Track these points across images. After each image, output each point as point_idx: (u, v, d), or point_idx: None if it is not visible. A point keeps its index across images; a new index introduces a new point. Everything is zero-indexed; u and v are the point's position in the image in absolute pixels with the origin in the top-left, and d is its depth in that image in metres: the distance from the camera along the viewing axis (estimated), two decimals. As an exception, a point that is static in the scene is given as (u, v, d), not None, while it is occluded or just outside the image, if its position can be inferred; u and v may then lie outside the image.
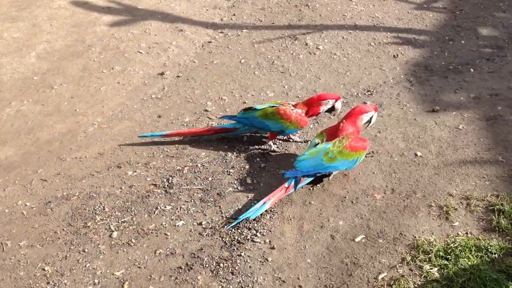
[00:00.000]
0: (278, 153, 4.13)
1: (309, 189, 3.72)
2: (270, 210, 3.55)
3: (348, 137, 3.67)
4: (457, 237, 3.16)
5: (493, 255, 3.02)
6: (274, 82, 5.13)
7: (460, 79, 5.00)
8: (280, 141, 4.27)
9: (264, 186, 3.77)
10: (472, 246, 3.06)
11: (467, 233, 3.21)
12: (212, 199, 3.69)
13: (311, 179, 3.72)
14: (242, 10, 6.52)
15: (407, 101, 4.70)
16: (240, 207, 3.59)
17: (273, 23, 6.21)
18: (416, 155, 3.97)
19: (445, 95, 4.73)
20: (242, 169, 3.97)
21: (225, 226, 3.46)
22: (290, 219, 3.48)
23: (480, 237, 3.15)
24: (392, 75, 5.16)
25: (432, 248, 3.10)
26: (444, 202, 3.47)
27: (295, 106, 4.12)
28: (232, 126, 4.27)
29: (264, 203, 3.54)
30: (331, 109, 4.12)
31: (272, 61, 5.48)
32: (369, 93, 4.87)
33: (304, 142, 4.27)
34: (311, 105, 4.10)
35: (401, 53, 5.52)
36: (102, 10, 6.47)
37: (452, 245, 3.10)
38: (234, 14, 6.44)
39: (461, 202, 3.46)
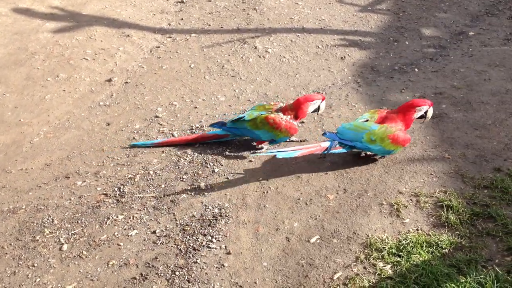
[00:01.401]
0: (231, 156, 4.11)
1: (263, 193, 3.72)
2: (226, 215, 3.52)
3: (395, 129, 3.77)
4: (408, 234, 3.23)
5: (444, 250, 3.10)
6: (225, 86, 5.12)
7: (405, 79, 5.15)
8: (235, 146, 4.26)
9: (218, 191, 3.75)
10: (423, 242, 3.14)
11: (417, 230, 3.30)
12: (165, 207, 3.63)
13: (344, 151, 3.87)
14: (190, 15, 6.48)
15: (356, 102, 4.78)
16: (194, 213, 3.55)
17: (221, 27, 6.20)
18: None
19: (391, 95, 4.86)
20: (196, 174, 3.93)
21: (249, 152, 3.98)
22: (246, 223, 3.47)
23: (430, 233, 3.24)
24: (340, 77, 5.25)
25: (384, 246, 3.16)
26: (395, 199, 3.54)
27: (282, 111, 4.10)
28: (223, 132, 4.23)
29: (296, 150, 3.79)
30: (317, 109, 4.15)
31: (222, 65, 5.46)
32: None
33: (301, 141, 4.27)
34: (299, 108, 4.09)
35: (348, 55, 5.63)
36: (45, 17, 6.27)
37: (404, 242, 3.17)
38: (182, 19, 6.38)
39: (411, 199, 3.55)
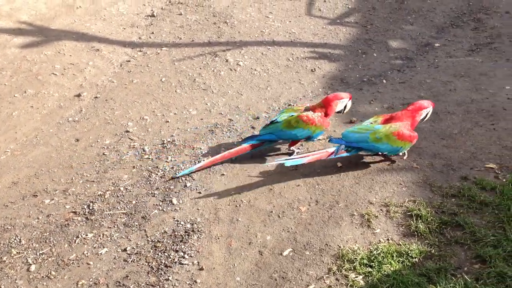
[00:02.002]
0: (202, 171, 4.09)
1: (236, 206, 3.72)
2: (198, 230, 3.50)
3: (400, 125, 3.87)
4: (379, 244, 3.27)
5: (414, 259, 3.14)
6: (197, 100, 5.11)
7: (374, 90, 5.23)
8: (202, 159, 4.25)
9: (190, 205, 3.72)
10: (394, 252, 3.17)
11: (388, 240, 3.33)
12: (136, 223, 3.59)
13: (354, 153, 3.95)
14: (160, 28, 6.46)
15: (326, 114, 4.83)
16: (166, 229, 3.52)
17: (192, 40, 6.20)
18: (337, 165, 4.08)
19: (361, 106, 4.92)
20: (167, 189, 3.90)
21: (267, 162, 4.06)
22: (218, 238, 3.45)
23: (400, 243, 3.28)
24: (311, 89, 5.30)
25: (356, 257, 3.18)
26: (365, 210, 3.58)
27: (312, 110, 4.24)
28: (258, 142, 4.27)
29: (303, 157, 3.88)
30: (344, 108, 4.30)
31: (194, 78, 5.46)
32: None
33: (325, 139, 4.37)
34: (328, 106, 4.24)
35: (318, 67, 5.70)
36: (13, 32, 6.17)
37: (375, 252, 3.20)
38: (153, 33, 6.37)
39: (381, 209, 3.59)
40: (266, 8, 6.93)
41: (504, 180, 3.76)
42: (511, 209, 3.43)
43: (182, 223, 3.56)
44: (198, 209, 3.70)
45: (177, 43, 6.14)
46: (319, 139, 4.39)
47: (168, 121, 4.77)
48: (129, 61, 5.78)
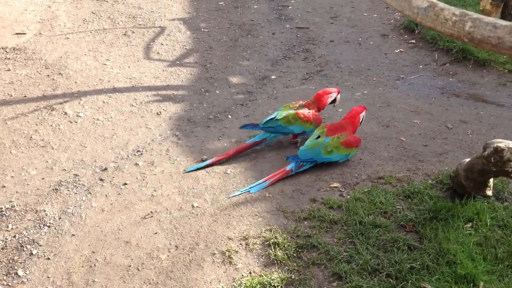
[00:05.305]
0: (50, 233, 3.77)
1: (91, 266, 3.48)
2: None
3: (345, 136, 4.40)
4: (242, 279, 3.27)
5: None
6: (36, 158, 4.75)
7: (221, 126, 5.33)
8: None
9: (39, 274, 3.39)
10: (257, 284, 3.19)
11: (250, 273, 3.35)
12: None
13: (310, 166, 4.39)
14: (-14, 86, 5.94)
15: (177, 155, 4.80)
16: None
17: (25, 96, 5.79)
18: (193, 206, 4.05)
19: (210, 144, 4.98)
20: (11, 261, 3.55)
21: (231, 194, 4.12)
22: (74, 305, 3.18)
23: (262, 274, 3.32)
24: (159, 132, 5.24)
25: (222, 296, 3.15)
26: (226, 247, 3.58)
27: (306, 107, 4.76)
28: (260, 139, 4.76)
29: (265, 181, 4.23)
30: (333, 101, 4.91)
31: (30, 136, 5.08)
32: (139, 153, 4.84)
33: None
34: (320, 101, 4.82)
35: (164, 109, 5.67)
36: None
37: None
38: (-22, 92, 5.83)
39: (240, 244, 3.62)
40: (103, 56, 6.76)
41: (348, 197, 4.04)
42: (357, 224, 3.69)
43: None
44: (48, 276, 3.39)
45: (8, 100, 5.69)
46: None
47: (4, 186, 4.35)
48: (-49, 125, 5.20)
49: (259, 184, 4.22)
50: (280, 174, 4.29)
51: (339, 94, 4.92)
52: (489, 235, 3.57)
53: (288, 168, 4.33)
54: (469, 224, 3.67)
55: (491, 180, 3.71)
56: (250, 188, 4.19)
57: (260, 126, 4.75)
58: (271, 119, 4.72)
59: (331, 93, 4.87)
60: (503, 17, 6.66)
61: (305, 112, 4.72)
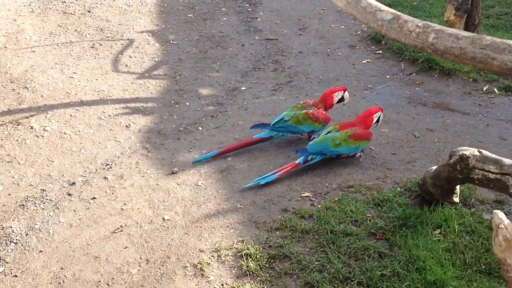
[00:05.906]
0: (17, 250, 3.67)
1: (59, 283, 3.40)
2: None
3: (354, 129, 4.49)
4: (214, 292, 3.26)
5: (250, 299, 3.19)
6: (1, 174, 4.63)
7: (191, 138, 5.31)
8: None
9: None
10: (229, 296, 3.19)
11: (222, 285, 3.33)
12: None
13: (319, 159, 4.50)
14: None
15: (147, 168, 4.75)
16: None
17: (-11, 110, 5.66)
18: (164, 219, 4.01)
19: (180, 156, 4.95)
20: None
21: (244, 185, 4.28)
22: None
23: (234, 285, 3.30)
24: (128, 145, 5.18)
25: (194, 310, 3.12)
26: (197, 259, 3.55)
27: (315, 105, 4.90)
28: (267, 135, 4.90)
29: (275, 173, 4.34)
30: (341, 100, 5.04)
31: (-5, 151, 4.95)
32: (108, 166, 4.78)
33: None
34: (326, 101, 4.98)
35: (133, 122, 5.61)
36: None
37: (211, 300, 3.18)
38: None
39: (212, 256, 3.59)
40: (70, 69, 6.67)
41: (319, 206, 4.07)
42: (329, 233, 3.72)
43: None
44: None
45: (-29, 115, 5.55)
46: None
47: (-32, 204, 4.23)
48: None
49: (268, 176, 4.34)
50: (290, 167, 4.42)
51: (346, 92, 5.06)
52: (458, 241, 3.64)
53: (297, 161, 4.46)
54: (438, 231, 3.74)
55: (458, 187, 3.80)
56: (260, 179, 4.33)
57: (271, 127, 4.89)
58: (280, 120, 4.86)
59: (337, 91, 5.02)
60: (466, 27, 6.86)
61: (314, 111, 4.85)
